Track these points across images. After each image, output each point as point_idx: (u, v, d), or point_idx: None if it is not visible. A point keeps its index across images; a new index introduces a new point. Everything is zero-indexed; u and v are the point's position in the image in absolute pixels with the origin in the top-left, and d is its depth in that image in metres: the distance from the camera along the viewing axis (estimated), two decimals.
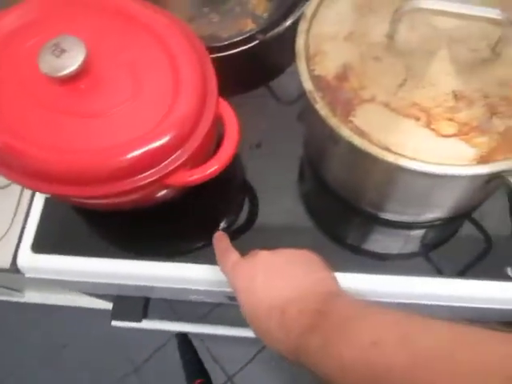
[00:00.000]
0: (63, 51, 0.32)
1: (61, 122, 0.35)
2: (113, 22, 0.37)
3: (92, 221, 0.46)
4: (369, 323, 0.27)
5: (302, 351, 0.28)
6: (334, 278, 0.33)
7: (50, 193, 0.39)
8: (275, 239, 0.43)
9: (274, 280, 0.32)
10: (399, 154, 0.31)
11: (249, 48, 0.46)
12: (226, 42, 0.46)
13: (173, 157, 0.35)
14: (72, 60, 0.33)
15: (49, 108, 0.35)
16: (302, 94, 0.35)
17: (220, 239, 0.39)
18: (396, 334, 0.25)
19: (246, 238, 0.44)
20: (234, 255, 0.36)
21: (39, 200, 0.46)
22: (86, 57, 0.33)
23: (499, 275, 0.40)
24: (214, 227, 0.45)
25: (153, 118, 0.35)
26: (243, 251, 0.43)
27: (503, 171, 0.30)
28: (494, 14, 0.30)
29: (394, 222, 0.44)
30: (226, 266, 0.36)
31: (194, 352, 0.78)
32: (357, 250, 0.44)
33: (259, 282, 0.32)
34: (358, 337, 0.26)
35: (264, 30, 0.46)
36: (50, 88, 0.35)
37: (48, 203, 0.46)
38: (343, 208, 0.45)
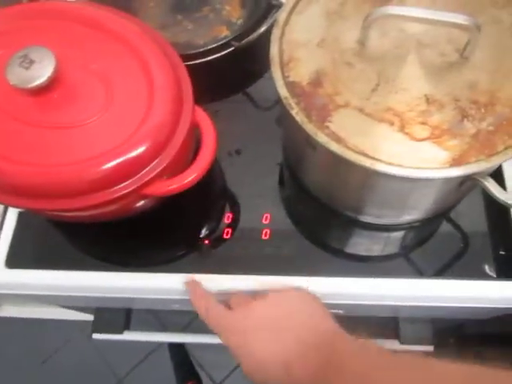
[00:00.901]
0: (32, 62, 0.32)
1: (33, 135, 0.34)
2: (83, 32, 0.36)
3: (69, 233, 0.45)
4: (378, 371, 0.27)
5: None
6: (328, 317, 0.33)
7: (22, 207, 0.38)
8: (257, 246, 0.43)
9: (269, 335, 0.32)
10: (375, 159, 0.32)
11: (224, 55, 0.46)
12: (202, 49, 0.46)
13: (149, 167, 0.35)
14: (42, 71, 0.32)
15: (20, 120, 0.34)
16: (280, 100, 0.35)
17: (195, 290, 0.38)
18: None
19: (228, 244, 0.44)
20: (219, 308, 0.35)
21: (12, 214, 0.45)
22: (56, 67, 0.32)
23: (478, 273, 0.41)
24: (195, 235, 0.45)
25: (128, 127, 0.34)
26: (225, 259, 0.43)
27: (475, 173, 0.31)
28: (461, 19, 0.30)
29: (374, 224, 0.44)
30: (211, 322, 0.34)
31: (185, 354, 0.77)
32: (339, 254, 0.44)
33: (255, 341, 0.31)
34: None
35: (239, 37, 0.46)
36: (21, 100, 0.34)
37: (22, 216, 0.45)
38: (324, 212, 0.45)
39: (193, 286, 0.39)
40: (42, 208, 0.35)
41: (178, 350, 0.78)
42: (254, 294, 0.37)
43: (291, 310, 0.33)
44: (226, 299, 0.38)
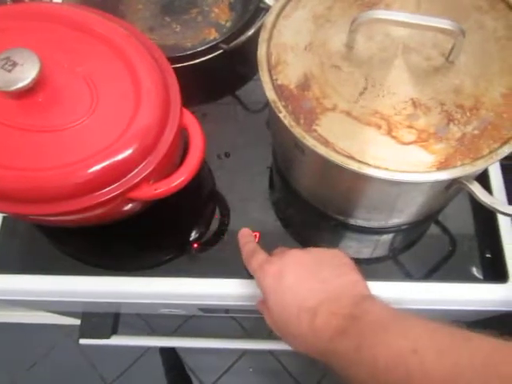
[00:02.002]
0: (15, 64, 0.31)
1: (17, 138, 0.33)
2: (69, 34, 0.36)
3: (55, 237, 0.45)
4: (408, 330, 0.26)
5: (332, 354, 0.28)
6: (365, 282, 0.32)
7: (6, 212, 0.37)
8: None
9: (304, 280, 0.31)
10: (362, 162, 0.32)
11: (213, 57, 0.46)
12: (190, 52, 0.45)
13: (136, 170, 0.34)
14: (25, 73, 0.31)
15: (4, 124, 0.33)
16: (268, 103, 0.35)
17: (245, 237, 0.38)
18: (436, 344, 0.25)
19: (217, 248, 0.44)
20: (262, 254, 0.35)
21: None
22: (41, 70, 0.32)
23: (465, 276, 0.42)
24: (184, 239, 0.44)
25: (114, 130, 0.34)
26: (214, 263, 0.43)
27: (461, 177, 0.31)
28: (445, 24, 0.31)
29: (363, 227, 0.44)
30: (253, 265, 0.35)
31: (177, 358, 0.76)
32: None
33: (289, 282, 0.31)
34: (397, 342, 0.25)
35: (227, 40, 0.46)
36: (5, 103, 0.33)
37: (6, 221, 0.44)
38: (313, 215, 0.46)
39: (245, 235, 0.39)
40: (26, 213, 0.34)
41: (169, 353, 0.78)
42: None
43: (328, 263, 0.33)
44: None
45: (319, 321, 0.29)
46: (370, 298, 0.30)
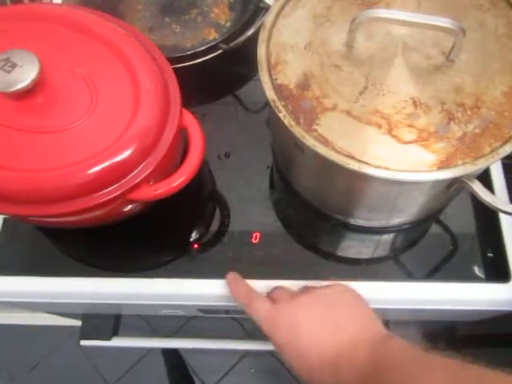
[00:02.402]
0: (14, 66, 0.31)
1: (17, 140, 0.33)
2: (68, 35, 0.36)
3: (55, 238, 0.44)
4: (426, 374, 0.26)
5: None
6: (376, 318, 0.32)
7: (7, 213, 0.37)
8: (247, 249, 0.43)
9: (319, 330, 0.31)
10: (363, 162, 0.31)
11: (212, 57, 0.46)
12: (189, 52, 0.45)
13: (136, 171, 0.34)
14: (24, 75, 0.31)
15: (4, 125, 0.33)
16: (268, 102, 0.35)
17: (235, 283, 0.37)
18: None
19: (218, 249, 0.44)
20: (265, 303, 0.34)
21: None
22: (40, 71, 0.32)
23: (467, 276, 0.41)
24: (184, 240, 0.44)
25: (113, 131, 0.34)
26: (214, 263, 0.43)
27: (462, 176, 0.31)
28: (446, 22, 0.30)
29: (364, 227, 0.44)
30: (259, 315, 0.33)
31: (179, 359, 0.76)
32: (329, 257, 0.44)
33: (305, 335, 0.31)
34: None
35: (227, 40, 0.46)
36: (4, 104, 0.33)
37: (7, 222, 0.44)
38: (314, 215, 0.45)
39: (233, 279, 0.38)
40: (26, 214, 0.34)
41: (171, 354, 0.78)
42: (298, 289, 0.36)
43: (338, 305, 0.32)
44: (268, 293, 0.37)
45: (342, 372, 0.29)
46: (386, 339, 0.30)
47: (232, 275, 0.38)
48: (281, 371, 0.96)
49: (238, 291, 0.37)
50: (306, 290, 0.35)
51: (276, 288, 0.37)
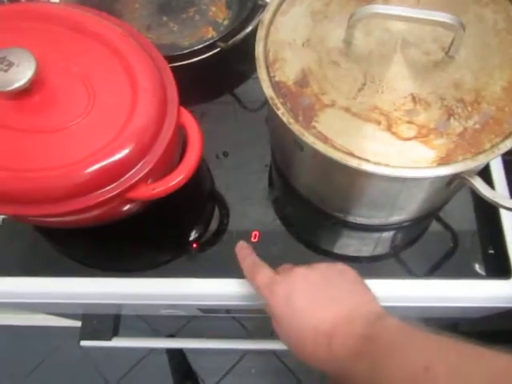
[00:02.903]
0: (11, 64, 0.31)
1: (14, 139, 0.33)
2: (65, 34, 0.36)
3: (53, 239, 0.44)
4: (420, 348, 0.26)
5: (349, 375, 0.28)
6: (374, 296, 0.32)
7: (4, 213, 0.37)
8: None
9: (315, 302, 0.31)
10: (362, 159, 0.31)
11: (210, 56, 0.46)
12: (187, 51, 0.45)
13: (134, 170, 0.34)
14: (21, 74, 0.31)
15: (1, 125, 0.33)
16: (266, 100, 0.35)
17: (244, 251, 0.37)
18: (448, 361, 0.24)
19: (217, 248, 0.43)
20: (267, 271, 0.34)
21: None
22: (37, 70, 0.32)
23: (468, 272, 0.41)
24: (183, 239, 0.44)
25: (111, 130, 0.33)
26: (213, 262, 0.43)
27: (463, 172, 0.31)
28: (445, 18, 0.30)
29: (364, 225, 0.44)
30: (260, 283, 0.33)
31: (183, 356, 0.76)
32: (329, 255, 0.44)
33: (300, 304, 0.31)
34: (409, 361, 0.25)
35: (224, 38, 0.45)
36: (1, 104, 0.33)
37: (5, 222, 0.44)
38: (313, 213, 0.45)
39: (242, 247, 0.38)
40: (23, 214, 0.34)
41: (175, 352, 0.77)
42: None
43: (337, 280, 0.32)
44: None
45: (336, 344, 0.29)
46: (383, 316, 0.30)
47: (241, 244, 0.38)
48: (282, 371, 0.95)
49: (244, 258, 0.37)
50: (308, 265, 0.35)
51: (282, 265, 0.37)
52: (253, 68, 0.35)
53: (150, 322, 0.77)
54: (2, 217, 0.44)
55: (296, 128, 0.32)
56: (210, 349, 0.53)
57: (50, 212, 0.33)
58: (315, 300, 0.31)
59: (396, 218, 0.42)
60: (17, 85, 0.31)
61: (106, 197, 0.33)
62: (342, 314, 0.30)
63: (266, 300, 0.33)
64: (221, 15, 0.51)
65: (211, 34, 0.50)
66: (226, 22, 0.51)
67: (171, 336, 0.73)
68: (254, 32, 0.40)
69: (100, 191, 0.33)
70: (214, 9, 0.51)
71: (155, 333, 0.77)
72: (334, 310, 0.30)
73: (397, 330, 0.28)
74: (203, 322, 0.72)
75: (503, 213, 0.42)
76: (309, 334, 0.30)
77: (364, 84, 0.33)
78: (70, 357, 0.97)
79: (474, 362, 0.24)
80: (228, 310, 0.50)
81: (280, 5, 0.37)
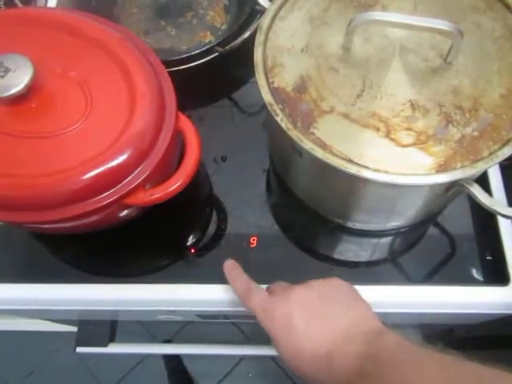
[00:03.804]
0: (7, 70, 0.31)
1: (11, 145, 0.33)
2: (62, 39, 0.35)
3: (50, 245, 0.44)
4: (420, 367, 0.26)
5: None
6: (371, 311, 0.32)
7: (0, 220, 0.36)
8: (244, 253, 0.43)
9: (314, 323, 0.31)
10: (361, 166, 0.31)
11: (208, 60, 0.46)
12: (185, 55, 0.45)
13: (131, 176, 0.34)
14: (18, 79, 0.31)
15: None
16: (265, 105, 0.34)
17: (234, 272, 0.36)
18: (448, 381, 0.24)
19: (215, 253, 0.43)
20: (261, 293, 0.34)
21: None
22: (34, 75, 0.31)
23: (465, 279, 0.41)
24: (181, 244, 0.44)
25: (108, 135, 0.33)
26: (212, 268, 0.42)
27: (461, 179, 0.31)
28: (443, 25, 0.30)
29: (362, 230, 0.44)
30: (255, 306, 0.33)
31: (179, 361, 0.76)
32: (327, 260, 0.44)
33: (299, 326, 0.30)
34: (409, 381, 0.25)
35: (223, 42, 0.45)
36: None
37: (0, 229, 0.43)
38: (312, 218, 0.45)
39: (231, 267, 0.37)
40: (20, 221, 0.34)
41: (171, 356, 0.77)
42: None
43: (334, 297, 0.32)
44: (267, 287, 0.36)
45: (336, 364, 0.28)
46: (382, 332, 0.30)
47: (230, 263, 0.38)
48: (279, 375, 0.95)
49: (234, 279, 0.36)
50: (302, 283, 0.34)
51: (275, 283, 0.37)
52: (251, 72, 0.35)
53: (147, 326, 0.76)
54: None
55: (294, 134, 0.32)
56: (207, 354, 0.53)
57: (46, 219, 0.33)
58: (314, 321, 0.31)
59: (394, 223, 0.42)
60: (13, 91, 0.31)
61: (104, 203, 0.33)
62: (339, 334, 0.30)
63: (264, 323, 0.32)
64: (219, 20, 0.51)
65: (209, 38, 0.50)
66: (224, 27, 0.50)
67: (168, 341, 0.72)
68: (252, 37, 0.40)
69: (97, 197, 0.33)
70: (212, 13, 0.51)
71: (152, 337, 0.77)
72: (332, 329, 0.30)
73: (397, 347, 0.28)
74: (200, 326, 0.72)
75: (501, 219, 0.42)
76: (309, 355, 0.30)
77: (363, 90, 0.33)
78: (66, 361, 0.96)
79: (474, 382, 0.24)
80: (226, 316, 0.50)
81: (278, 10, 0.37)
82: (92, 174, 0.32)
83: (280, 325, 0.31)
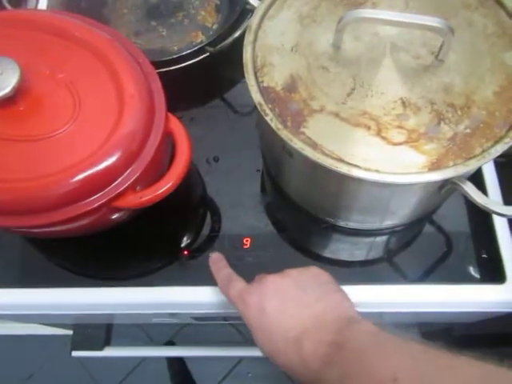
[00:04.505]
0: None
1: (0, 149, 0.32)
2: (50, 41, 0.35)
3: (42, 249, 0.44)
4: (390, 357, 0.26)
5: (321, 383, 0.27)
6: (347, 299, 0.32)
7: None
8: (240, 254, 0.42)
9: (285, 308, 0.31)
10: (352, 165, 0.31)
11: (200, 60, 0.46)
12: (176, 56, 0.45)
13: (121, 178, 0.34)
14: (5, 82, 0.31)
15: None
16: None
17: (218, 264, 0.37)
18: (418, 372, 0.24)
19: (208, 255, 0.43)
20: (240, 283, 0.34)
21: None
22: (21, 78, 0.31)
23: (461, 277, 0.41)
24: (175, 246, 0.44)
25: (97, 138, 0.33)
26: (205, 270, 0.42)
27: (454, 177, 0.30)
28: (434, 22, 0.30)
29: (356, 230, 0.44)
30: (233, 295, 0.34)
31: (183, 363, 0.75)
32: (321, 260, 0.44)
33: (271, 312, 0.30)
34: (379, 371, 0.25)
35: (213, 42, 0.45)
36: None
37: None
38: (305, 218, 0.45)
39: (216, 259, 0.38)
40: (8, 225, 0.33)
41: (174, 358, 0.77)
42: None
43: (310, 284, 0.32)
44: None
45: (306, 351, 0.28)
46: (354, 320, 0.29)
47: (215, 256, 0.39)
48: (278, 375, 0.95)
49: (217, 271, 0.37)
50: (280, 272, 0.34)
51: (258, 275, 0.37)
52: (242, 72, 0.35)
53: (144, 328, 0.76)
54: None
55: (284, 134, 0.32)
56: (205, 356, 0.52)
57: (35, 223, 0.33)
58: (286, 306, 0.31)
59: (388, 222, 0.42)
60: (0, 94, 0.30)
61: (93, 206, 0.33)
62: (311, 318, 0.30)
63: (241, 312, 0.32)
64: (210, 19, 0.50)
65: (200, 38, 0.49)
66: (215, 27, 0.50)
67: (166, 343, 0.72)
68: (242, 36, 0.39)
69: (87, 200, 0.33)
70: (203, 13, 0.51)
71: (149, 339, 0.77)
72: (304, 315, 0.30)
73: (368, 336, 0.28)
74: (199, 327, 0.72)
75: (496, 217, 0.42)
76: (281, 342, 0.29)
77: (353, 89, 0.33)
78: (65, 364, 0.95)
79: (445, 372, 0.24)
80: (223, 318, 0.50)
81: (268, 9, 0.37)
82: (81, 176, 0.32)
83: (253, 312, 0.31)
